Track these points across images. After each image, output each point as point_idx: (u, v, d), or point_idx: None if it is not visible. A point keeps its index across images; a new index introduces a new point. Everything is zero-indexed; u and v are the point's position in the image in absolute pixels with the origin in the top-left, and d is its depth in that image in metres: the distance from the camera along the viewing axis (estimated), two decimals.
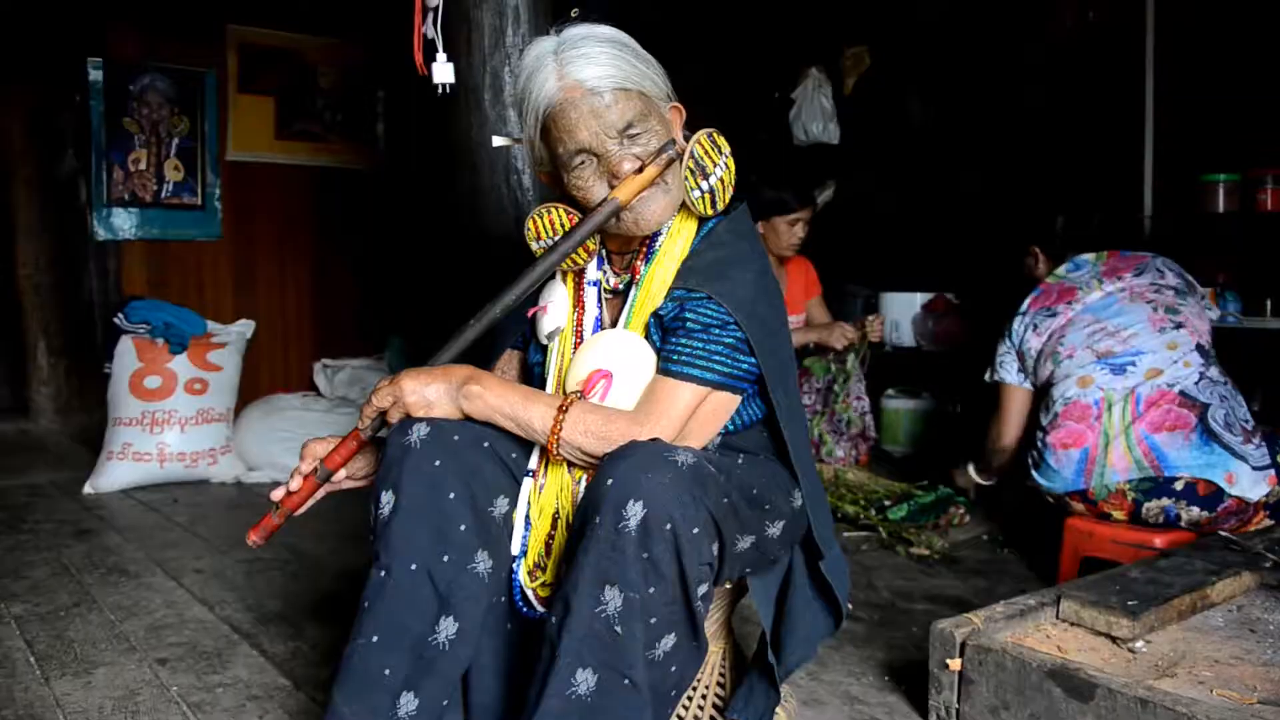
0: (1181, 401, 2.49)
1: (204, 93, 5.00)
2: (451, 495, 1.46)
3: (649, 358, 1.55)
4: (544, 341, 1.70)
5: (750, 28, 5.39)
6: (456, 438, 1.48)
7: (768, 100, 5.49)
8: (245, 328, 4.61)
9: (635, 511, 1.26)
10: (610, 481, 1.29)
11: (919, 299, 4.64)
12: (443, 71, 2.43)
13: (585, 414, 1.47)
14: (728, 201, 1.61)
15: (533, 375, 1.76)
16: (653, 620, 1.28)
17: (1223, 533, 2.40)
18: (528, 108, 1.56)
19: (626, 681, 1.28)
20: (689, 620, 1.32)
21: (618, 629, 1.27)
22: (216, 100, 5.03)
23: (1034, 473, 2.70)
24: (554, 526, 1.56)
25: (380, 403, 1.52)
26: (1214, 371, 2.56)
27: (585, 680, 1.28)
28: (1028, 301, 2.83)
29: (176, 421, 4.17)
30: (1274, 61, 3.64)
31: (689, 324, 1.53)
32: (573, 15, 2.64)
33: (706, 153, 1.56)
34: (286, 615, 2.55)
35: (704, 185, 1.56)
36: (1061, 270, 2.81)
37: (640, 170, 1.52)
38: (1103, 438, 2.55)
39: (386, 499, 1.46)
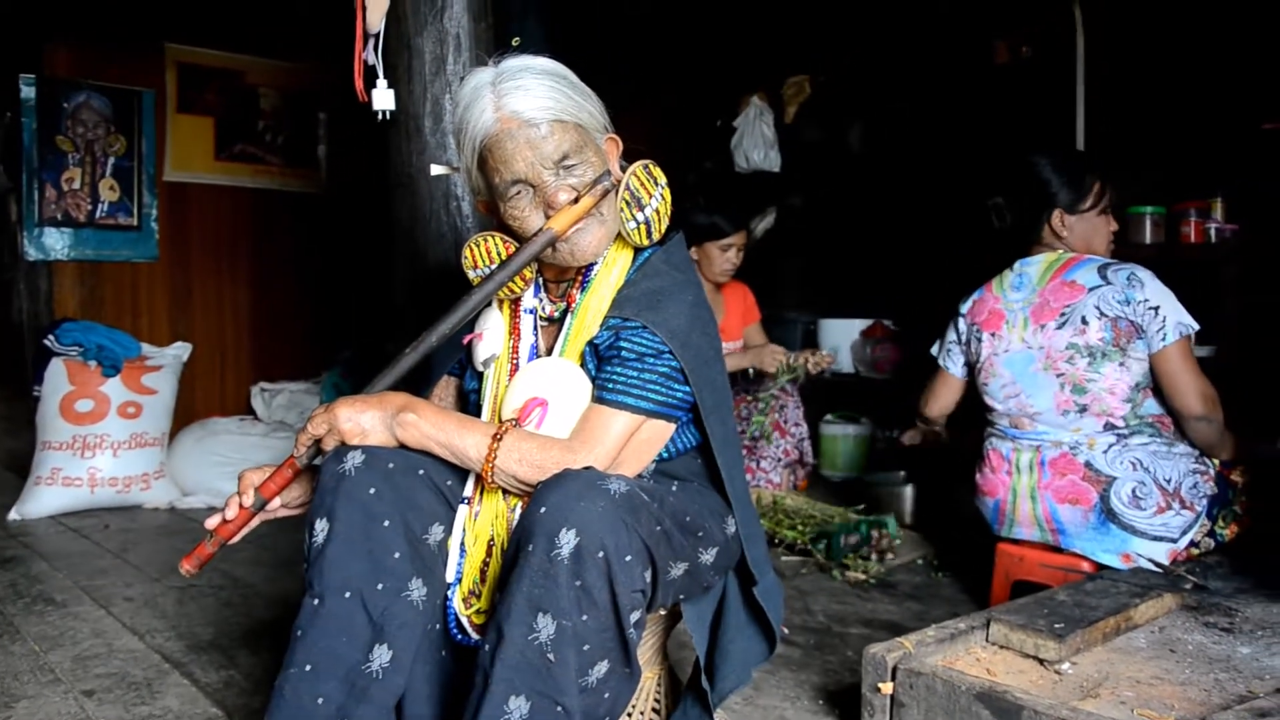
0: (1085, 474, 2.44)
1: (141, 112, 4.93)
2: (386, 523, 1.46)
3: (584, 386, 1.57)
4: (480, 369, 1.71)
5: (693, 55, 5.46)
6: (391, 465, 1.49)
7: (710, 128, 5.56)
8: (181, 350, 4.54)
9: (568, 539, 1.27)
10: (543, 510, 1.30)
11: (858, 325, 4.71)
12: (383, 98, 2.44)
13: (520, 442, 1.48)
14: (663, 232, 1.64)
15: (469, 402, 1.76)
16: (585, 647, 1.29)
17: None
18: (465, 138, 1.58)
19: (559, 708, 1.28)
20: (622, 647, 1.33)
21: (550, 656, 1.28)
22: (154, 120, 4.97)
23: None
24: (489, 554, 1.56)
25: (315, 430, 1.51)
26: (1135, 440, 2.43)
27: (518, 707, 1.28)
28: (968, 305, 2.74)
29: (109, 446, 4.09)
30: (1196, 99, 3.77)
31: (624, 353, 1.55)
32: (514, 45, 2.67)
33: (642, 184, 1.59)
34: (219, 643, 2.51)
35: (639, 216, 1.59)
36: (1009, 279, 2.65)
37: (576, 201, 1.54)
38: (1011, 494, 2.58)
39: (321, 527, 1.45)
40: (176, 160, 5.06)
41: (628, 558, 1.30)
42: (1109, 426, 2.46)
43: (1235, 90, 3.64)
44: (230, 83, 5.22)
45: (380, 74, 2.48)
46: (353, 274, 5.35)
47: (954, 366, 2.82)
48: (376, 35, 2.49)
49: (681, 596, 1.56)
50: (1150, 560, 2.38)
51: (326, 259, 5.46)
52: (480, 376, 1.72)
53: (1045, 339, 2.52)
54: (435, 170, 1.89)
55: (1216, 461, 2.48)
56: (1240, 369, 3.10)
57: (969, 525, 3.37)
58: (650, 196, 1.59)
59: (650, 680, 1.72)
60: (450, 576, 1.55)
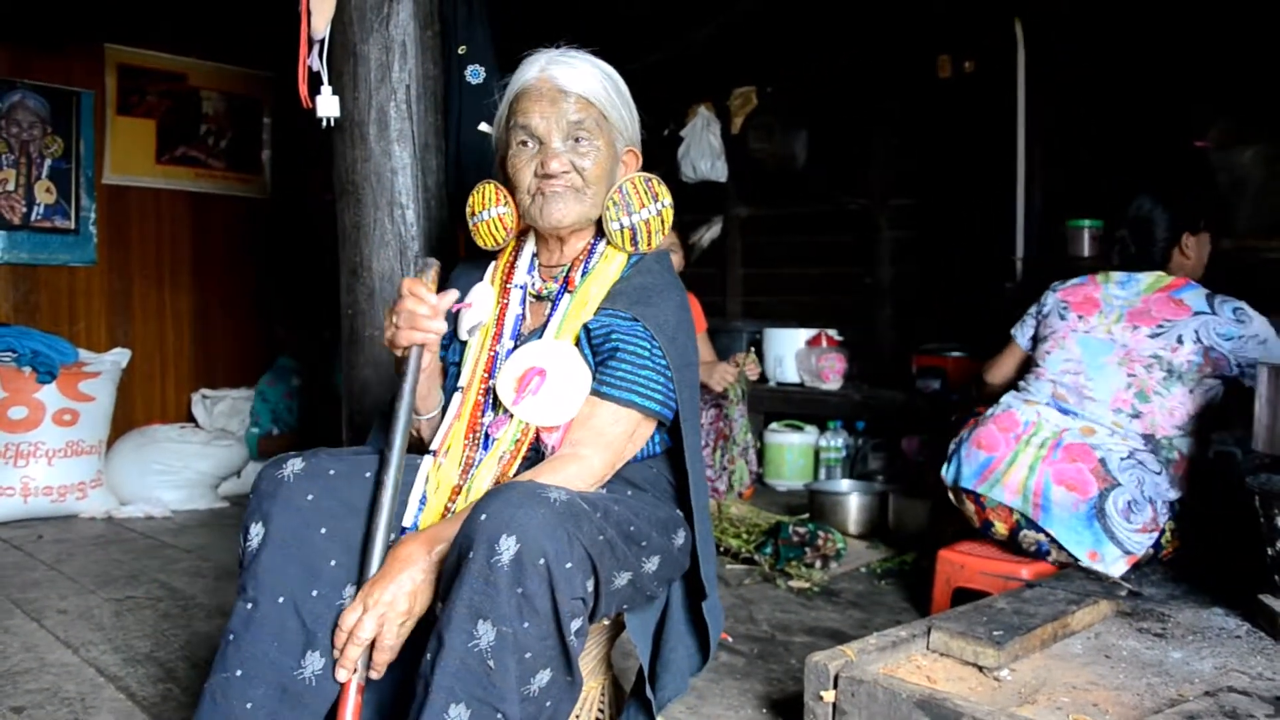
0: (1096, 468, 2.49)
1: (80, 113, 4.83)
2: (323, 530, 1.47)
3: (580, 364, 1.61)
4: (464, 338, 1.74)
5: (641, 65, 5.47)
6: (333, 472, 1.50)
7: (656, 137, 5.57)
8: (120, 356, 4.46)
9: (509, 546, 1.27)
10: (484, 517, 1.30)
11: (803, 335, 4.75)
12: (327, 105, 2.42)
13: (536, 474, 1.50)
14: (651, 246, 1.71)
15: (447, 375, 1.77)
16: (527, 655, 1.29)
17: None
18: (506, 95, 1.70)
19: (499, 716, 1.28)
20: (563, 655, 1.33)
21: (490, 663, 1.28)
22: (93, 121, 4.87)
23: (945, 467, 2.77)
24: (452, 499, 1.58)
25: (365, 641, 1.40)
26: (1152, 458, 2.51)
27: (458, 715, 1.28)
28: (1067, 285, 2.84)
29: (43, 454, 4.01)
30: (1133, 117, 3.87)
31: (622, 349, 1.60)
32: (460, 53, 2.67)
33: (636, 191, 1.68)
34: (157, 656, 2.46)
35: (625, 220, 1.67)
36: (1115, 276, 2.76)
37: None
38: (1010, 456, 2.62)
39: (255, 531, 1.46)
40: (116, 163, 4.97)
41: (568, 565, 1.31)
42: (1148, 438, 2.55)
43: (1169, 109, 3.73)
44: (172, 85, 5.14)
45: (325, 80, 2.46)
46: (297, 279, 5.29)
47: (1022, 337, 2.92)
48: (321, 41, 2.47)
49: (625, 606, 1.57)
50: (1109, 566, 2.45)
51: (271, 264, 5.39)
52: (463, 347, 1.75)
53: (1134, 340, 2.62)
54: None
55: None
56: None
57: (915, 534, 3.42)
58: (642, 207, 1.67)
59: (594, 690, 1.73)
60: (408, 522, 1.57)
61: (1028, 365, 2.89)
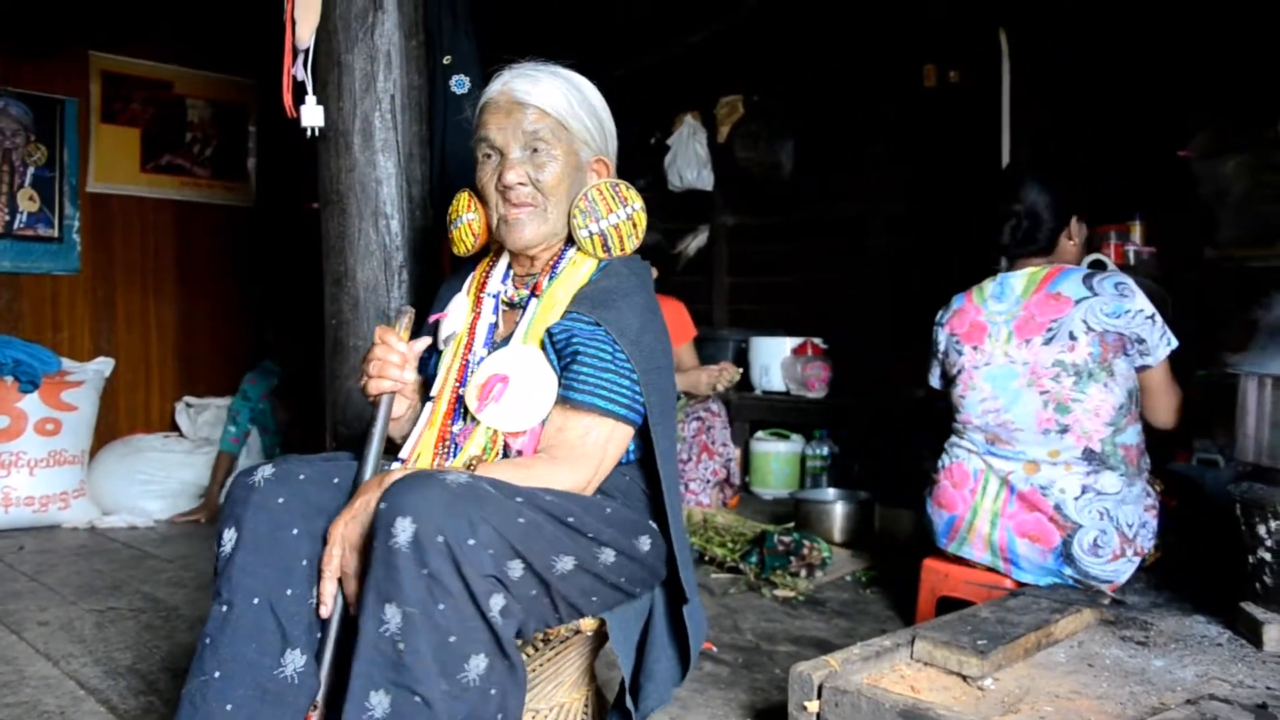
0: (1053, 516, 2.42)
1: (64, 121, 4.82)
2: (295, 531, 1.48)
3: (544, 367, 1.61)
4: (441, 347, 1.77)
5: (626, 73, 5.48)
6: (302, 476, 1.52)
7: (645, 146, 5.58)
8: (103, 365, 4.45)
9: (404, 528, 1.28)
10: (383, 505, 1.32)
11: (788, 344, 4.76)
12: (312, 114, 2.42)
13: (500, 470, 1.49)
14: (625, 251, 1.72)
15: (429, 385, 1.77)
16: (451, 639, 1.28)
17: None
18: (477, 110, 1.72)
19: (417, 699, 1.27)
20: (493, 639, 1.32)
21: (401, 646, 1.27)
22: (77, 129, 4.86)
23: (924, 515, 2.72)
24: None
25: (334, 571, 1.46)
26: (1105, 479, 2.41)
27: (380, 703, 1.27)
28: (948, 315, 2.71)
29: (25, 463, 3.99)
30: (1117, 126, 3.89)
31: (584, 353, 1.59)
32: (445, 63, 2.67)
33: (603, 198, 1.68)
34: (139, 668, 2.45)
35: (592, 227, 1.68)
36: (989, 288, 2.64)
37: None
38: (970, 513, 2.56)
39: (229, 536, 1.48)
40: (100, 171, 4.95)
41: (470, 542, 1.29)
42: (1087, 452, 2.44)
43: (1165, 116, 3.75)
44: (157, 93, 5.13)
45: (309, 90, 2.46)
46: (282, 288, 5.27)
47: (935, 380, 2.80)
48: (306, 51, 2.47)
49: (594, 599, 1.56)
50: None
51: (255, 273, 5.38)
52: (440, 357, 1.77)
53: (1031, 354, 2.50)
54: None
55: (1159, 486, 2.54)
56: None
57: (900, 543, 3.43)
58: (610, 212, 1.68)
59: (577, 701, 1.72)
60: None
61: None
